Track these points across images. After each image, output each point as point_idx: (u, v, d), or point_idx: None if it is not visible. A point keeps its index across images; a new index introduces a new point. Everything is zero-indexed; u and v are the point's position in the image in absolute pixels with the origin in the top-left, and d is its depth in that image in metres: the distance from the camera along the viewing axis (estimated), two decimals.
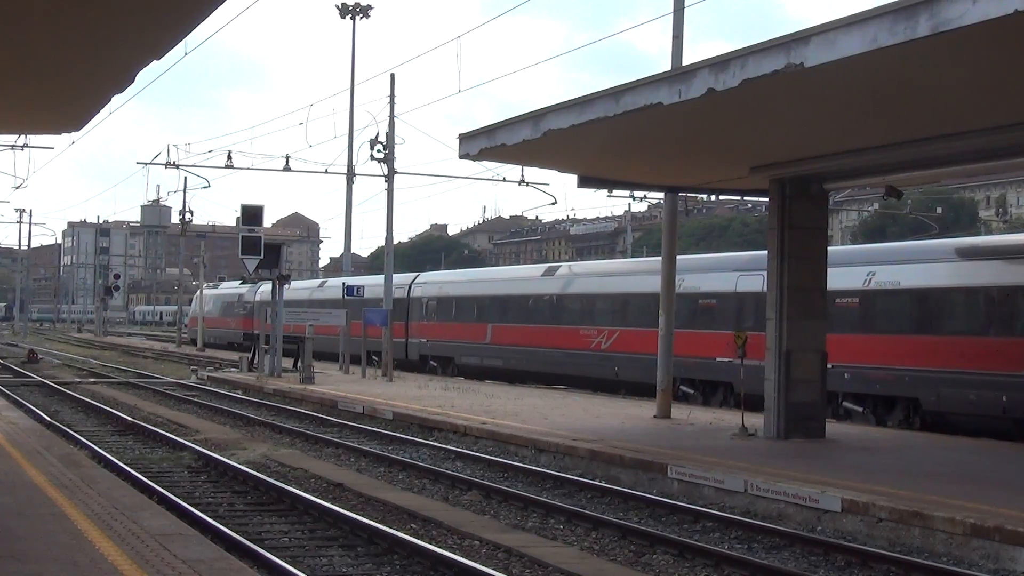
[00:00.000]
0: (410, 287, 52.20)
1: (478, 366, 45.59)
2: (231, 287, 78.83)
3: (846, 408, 28.29)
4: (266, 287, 65.69)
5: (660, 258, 28.41)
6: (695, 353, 32.11)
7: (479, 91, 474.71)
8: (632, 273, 38.76)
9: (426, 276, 55.97)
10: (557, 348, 40.11)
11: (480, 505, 17.41)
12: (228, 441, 24.55)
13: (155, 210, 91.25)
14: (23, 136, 38.50)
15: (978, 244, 29.19)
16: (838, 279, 26.63)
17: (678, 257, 28.63)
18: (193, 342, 76.40)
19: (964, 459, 20.62)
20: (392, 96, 44.44)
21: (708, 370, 32.64)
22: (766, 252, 24.77)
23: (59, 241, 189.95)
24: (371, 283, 57.05)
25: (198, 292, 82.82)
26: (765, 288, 25.64)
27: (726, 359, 30.57)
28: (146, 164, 57.15)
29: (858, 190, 57.80)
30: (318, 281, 68.89)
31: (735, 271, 32.67)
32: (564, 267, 45.12)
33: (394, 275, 61.97)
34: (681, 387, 32.71)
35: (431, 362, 49.07)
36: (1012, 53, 15.00)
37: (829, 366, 24.54)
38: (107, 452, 21.93)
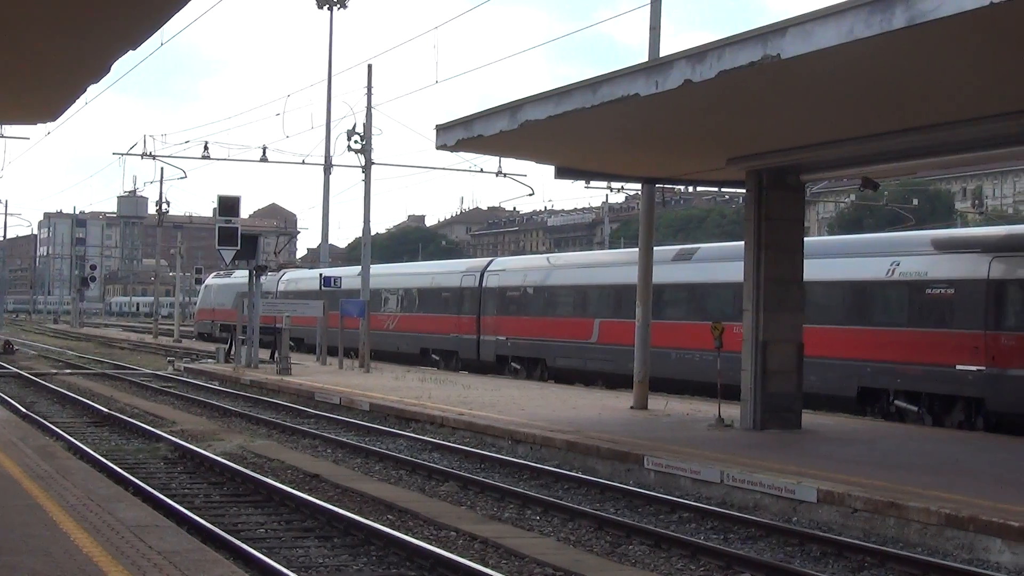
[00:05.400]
0: (482, 274, 44.48)
1: (580, 370, 37.88)
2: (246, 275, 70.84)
3: None
4: (291, 275, 63.73)
5: (845, 237, 26.23)
6: (922, 359, 25.61)
7: (459, 83, 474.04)
8: (810, 255, 28.23)
9: (504, 262, 47.37)
10: (696, 350, 31.18)
11: (457, 496, 17.41)
12: (204, 432, 24.50)
13: (132, 201, 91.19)
14: None
15: None
16: None
17: (890, 234, 25.25)
18: (202, 336, 71.15)
19: (939, 450, 20.70)
20: (369, 87, 44.38)
21: (941, 381, 25.33)
22: None
23: (35, 232, 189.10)
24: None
25: (204, 282, 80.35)
26: None
27: (972, 367, 24.44)
28: (122, 155, 57.08)
29: (835, 181, 57.87)
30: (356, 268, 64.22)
31: (986, 252, 25.12)
32: (704, 249, 35.59)
33: (461, 260, 59.21)
34: (896, 402, 26.33)
35: (512, 364, 41.58)
36: (987, 45, 15.05)
37: None
38: (83, 443, 21.86)
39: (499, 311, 42.78)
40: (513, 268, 44.35)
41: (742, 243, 24.54)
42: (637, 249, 28.50)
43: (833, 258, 28.90)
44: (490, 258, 50.83)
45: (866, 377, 26.75)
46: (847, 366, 27.21)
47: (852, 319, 27.54)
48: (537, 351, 40.29)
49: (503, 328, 42.28)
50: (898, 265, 26.39)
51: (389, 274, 53.72)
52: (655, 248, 28.32)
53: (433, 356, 46.11)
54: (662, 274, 33.51)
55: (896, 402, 26.32)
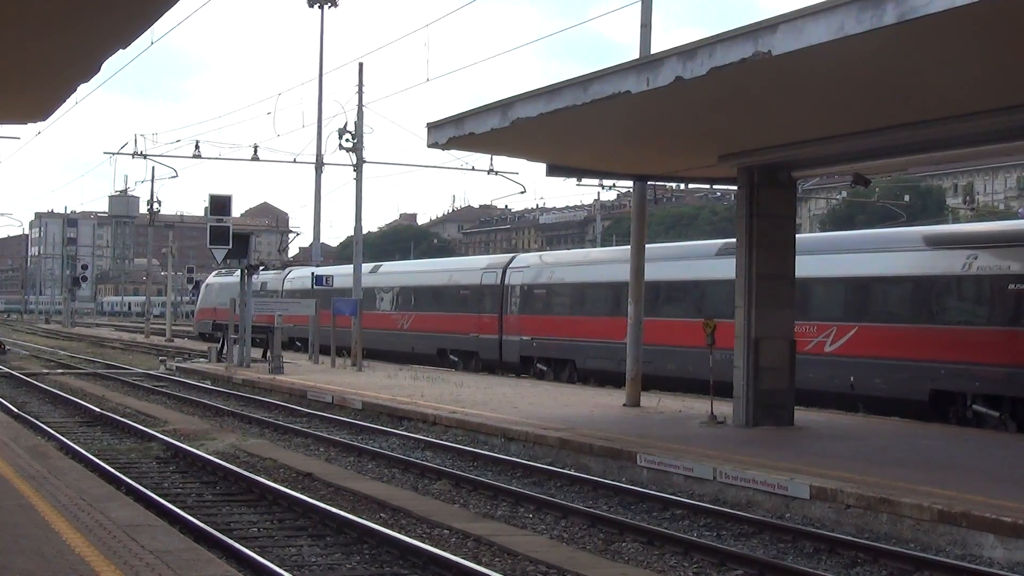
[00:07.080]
0: (505, 271, 42.41)
1: (613, 371, 34.11)
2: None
3: None
4: (296, 273, 63.77)
5: (912, 228, 25.39)
6: (1004, 360, 23.70)
7: (450, 81, 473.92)
8: (874, 249, 27.84)
9: (527, 258, 44.82)
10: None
11: (449, 494, 17.40)
12: (197, 431, 24.46)
13: (123, 200, 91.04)
14: None
15: None
16: None
17: (967, 226, 24.19)
18: (203, 337, 68.50)
19: (932, 446, 20.72)
20: (360, 85, 44.37)
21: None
22: None
23: (26, 232, 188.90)
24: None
25: (205, 280, 79.20)
26: None
27: None
28: (113, 154, 57.13)
29: (826, 178, 57.98)
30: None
31: None
32: None
33: (482, 256, 57.87)
34: (974, 406, 24.46)
35: (538, 365, 39.63)
36: (978, 41, 15.06)
37: None
38: (75, 443, 21.82)
39: (523, 309, 40.72)
40: (538, 264, 42.02)
41: (805, 234, 23.88)
42: (677, 244, 28.41)
43: (897, 252, 27.05)
44: (512, 254, 48.75)
45: (940, 379, 24.98)
46: (918, 367, 25.49)
47: (923, 317, 25.70)
48: (566, 352, 38.22)
49: (528, 327, 40.21)
50: (976, 259, 24.49)
51: (403, 271, 53.15)
52: (696, 243, 27.98)
53: (452, 357, 44.63)
54: (705, 270, 32.66)
55: (974, 407, 24.45)
